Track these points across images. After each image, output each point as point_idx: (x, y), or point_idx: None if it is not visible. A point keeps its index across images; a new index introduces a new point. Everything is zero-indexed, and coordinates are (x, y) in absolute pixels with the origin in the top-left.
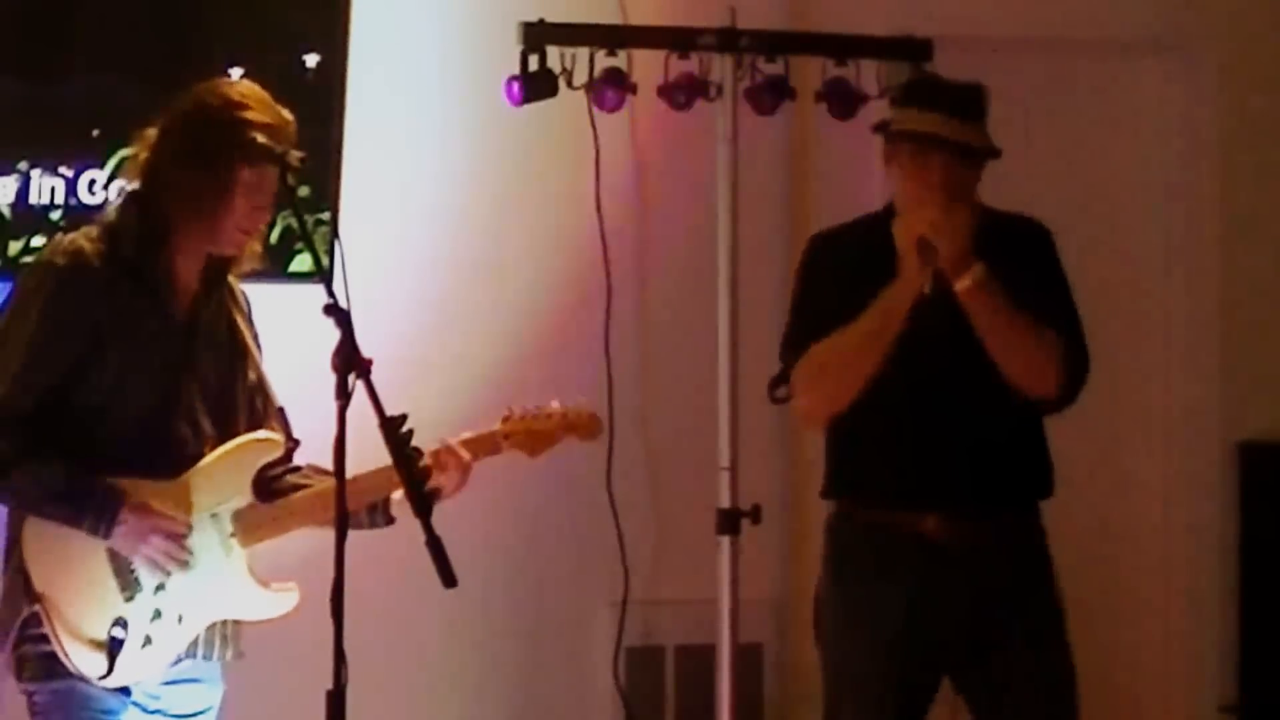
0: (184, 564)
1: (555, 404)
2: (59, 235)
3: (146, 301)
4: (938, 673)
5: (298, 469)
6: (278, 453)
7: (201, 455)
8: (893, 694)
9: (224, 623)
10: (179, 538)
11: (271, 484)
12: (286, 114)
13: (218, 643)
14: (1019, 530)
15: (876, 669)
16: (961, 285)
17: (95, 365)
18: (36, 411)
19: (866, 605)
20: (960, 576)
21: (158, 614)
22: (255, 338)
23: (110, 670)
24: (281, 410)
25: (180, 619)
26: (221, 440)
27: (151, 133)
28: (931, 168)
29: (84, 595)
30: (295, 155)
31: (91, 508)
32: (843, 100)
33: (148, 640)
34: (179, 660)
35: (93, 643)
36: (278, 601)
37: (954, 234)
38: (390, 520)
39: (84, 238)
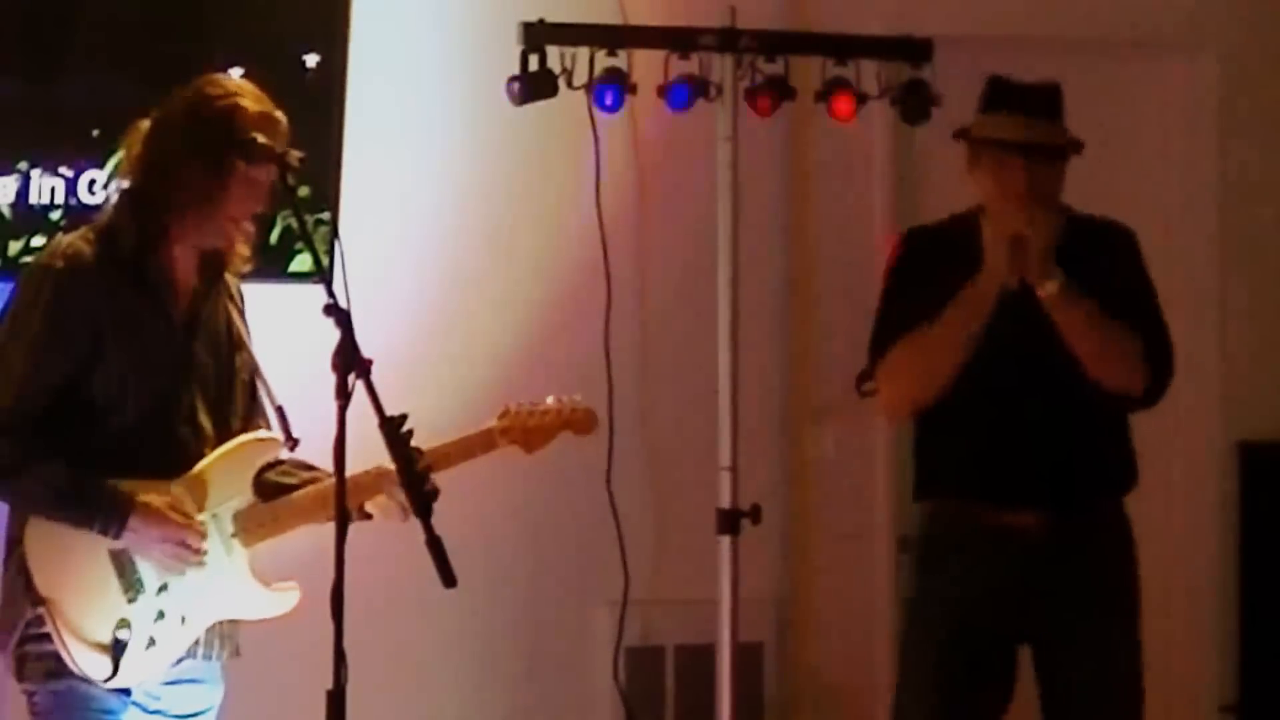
0: (201, 564)
1: (551, 400)
2: (58, 237)
3: (147, 301)
4: (1013, 664)
5: (279, 463)
6: (277, 452)
7: (202, 455)
8: (964, 686)
9: (221, 621)
10: (195, 538)
11: (282, 490)
12: (278, 111)
13: (217, 642)
14: (1103, 525)
15: (948, 658)
16: (1044, 291)
17: (97, 366)
18: (42, 415)
19: (947, 599)
20: (1041, 570)
21: (161, 615)
22: (248, 330)
23: (115, 672)
24: (281, 409)
25: (183, 619)
26: (221, 439)
27: (145, 125)
28: (1017, 172)
29: (87, 597)
30: (295, 155)
31: (101, 510)
32: (843, 100)
33: (151, 641)
34: (181, 660)
35: (97, 645)
36: (279, 601)
37: (1044, 233)
38: (366, 515)
39: (81, 239)
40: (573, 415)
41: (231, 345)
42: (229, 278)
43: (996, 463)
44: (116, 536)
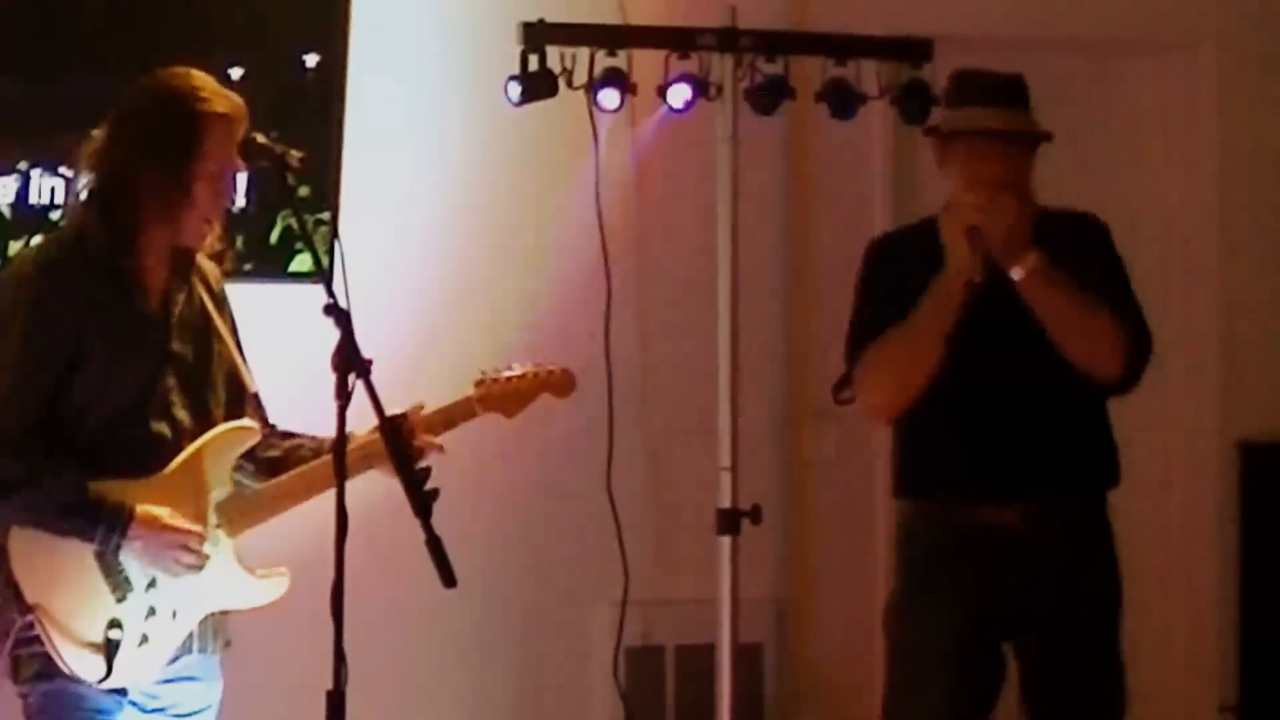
0: (200, 568)
1: (529, 364)
2: (26, 245)
3: (121, 300)
4: (1001, 658)
5: (291, 436)
6: (254, 440)
7: (179, 448)
8: (956, 682)
9: (212, 613)
10: (196, 541)
11: (271, 464)
12: (237, 99)
13: (211, 635)
14: (1084, 520)
15: (942, 655)
16: (1017, 273)
17: (79, 369)
18: (35, 425)
19: (931, 598)
20: (1024, 566)
21: (152, 611)
22: (228, 317)
23: (109, 673)
24: (255, 395)
25: (174, 614)
26: (201, 430)
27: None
28: (990, 161)
29: (76, 600)
30: (295, 155)
31: (103, 523)
32: (843, 100)
33: (144, 639)
34: (177, 657)
35: (90, 646)
36: (268, 588)
37: (1002, 219)
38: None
39: (51, 244)
40: (549, 377)
41: (208, 333)
42: (204, 264)
43: (974, 461)
44: (117, 549)
